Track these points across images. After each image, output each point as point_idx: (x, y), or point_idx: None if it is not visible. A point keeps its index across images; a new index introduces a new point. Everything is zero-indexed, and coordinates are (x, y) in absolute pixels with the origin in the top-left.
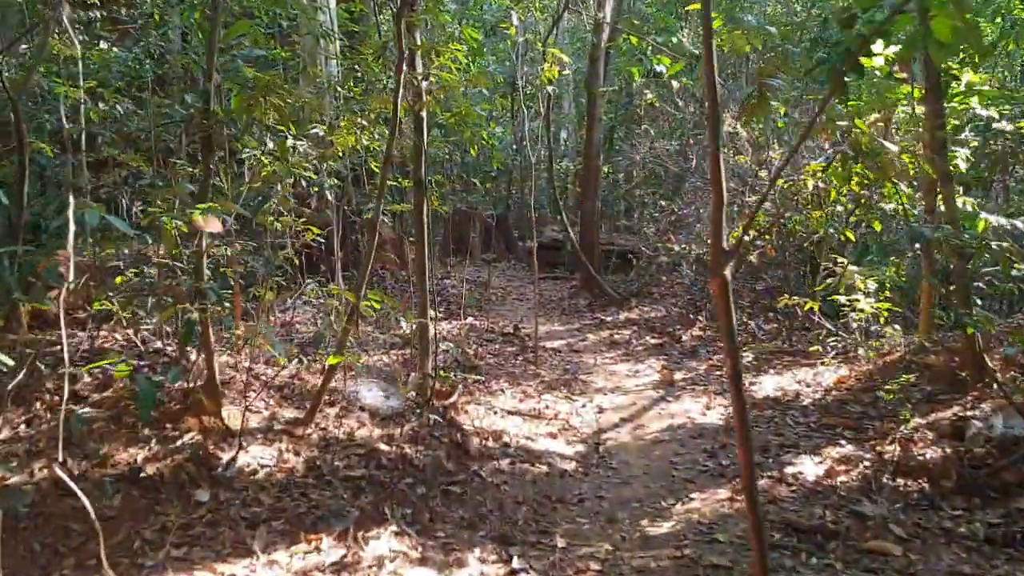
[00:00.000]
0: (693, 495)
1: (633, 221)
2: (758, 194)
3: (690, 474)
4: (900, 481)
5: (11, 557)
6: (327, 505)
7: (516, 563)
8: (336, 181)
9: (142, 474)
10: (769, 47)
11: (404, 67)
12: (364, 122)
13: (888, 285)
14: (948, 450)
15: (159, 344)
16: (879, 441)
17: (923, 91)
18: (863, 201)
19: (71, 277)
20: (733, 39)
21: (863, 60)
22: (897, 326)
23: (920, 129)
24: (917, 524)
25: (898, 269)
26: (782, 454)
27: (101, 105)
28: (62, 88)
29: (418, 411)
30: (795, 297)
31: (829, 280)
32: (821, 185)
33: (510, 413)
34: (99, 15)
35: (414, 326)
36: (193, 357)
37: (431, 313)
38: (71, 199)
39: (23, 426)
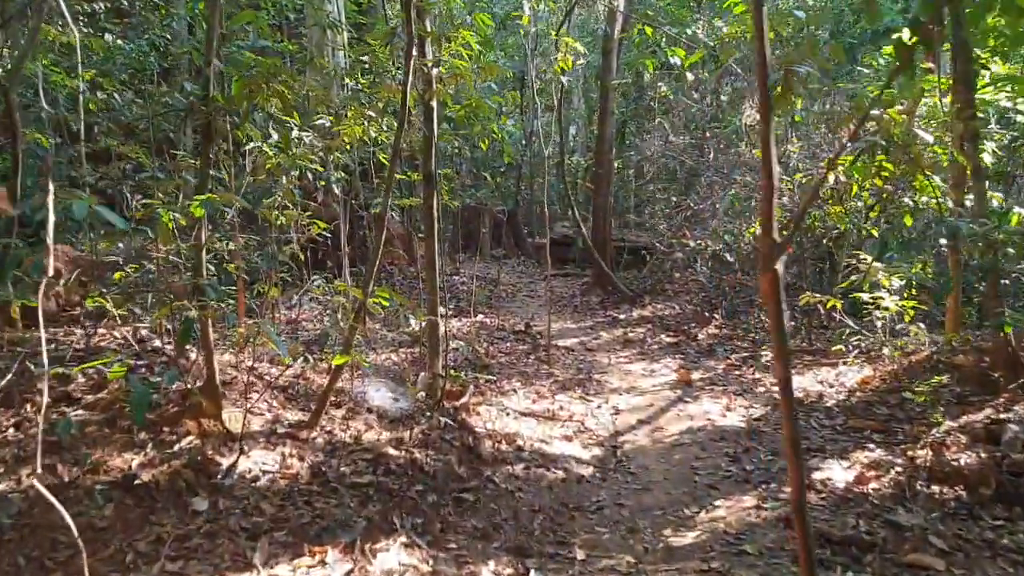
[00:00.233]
0: (717, 502)
1: (644, 217)
2: (776, 190)
3: (713, 479)
4: (935, 488)
5: None
6: (333, 515)
7: None
8: (343, 174)
9: (136, 481)
10: (795, 34)
11: (414, 53)
12: (372, 113)
13: (913, 282)
14: (984, 455)
15: (158, 343)
16: (910, 445)
17: (952, 81)
18: (885, 196)
19: (51, 272)
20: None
21: (885, 49)
22: (921, 324)
23: (950, 120)
24: (958, 535)
25: (924, 266)
26: (809, 458)
27: (100, 94)
28: (58, 76)
29: (428, 413)
30: (815, 295)
31: (853, 278)
32: (843, 179)
33: (523, 414)
34: (103, 6)
35: (423, 324)
36: (193, 356)
37: (441, 311)
38: (51, 188)
39: (11, 430)
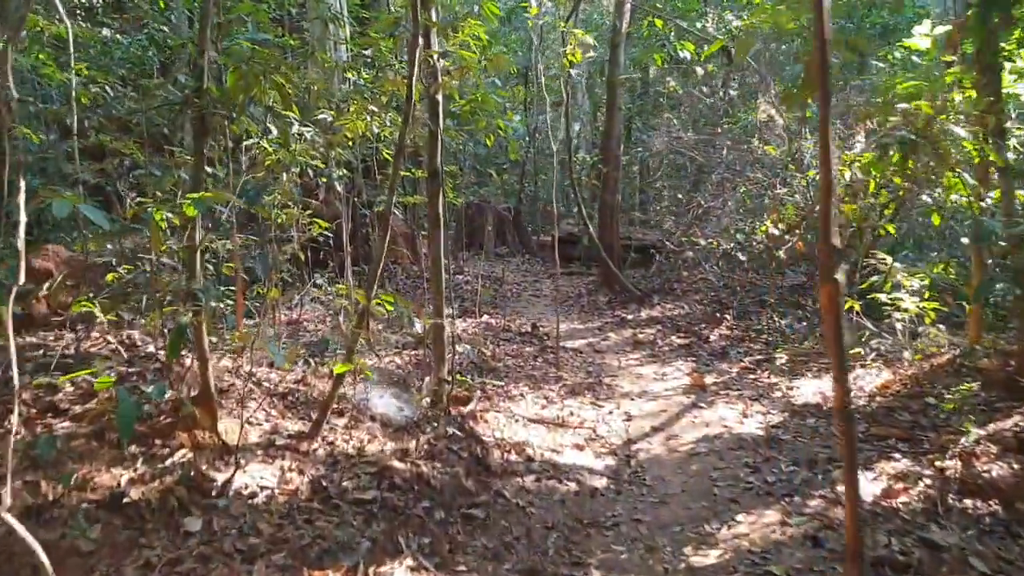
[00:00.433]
0: (739, 517)
1: (649, 214)
2: (789, 186)
3: (733, 492)
4: (968, 503)
5: None
6: (334, 535)
7: None
8: (346, 171)
9: (125, 499)
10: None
11: (419, 43)
12: (375, 107)
13: (931, 283)
14: (1016, 466)
15: (152, 348)
16: (937, 455)
17: (977, 73)
18: (902, 193)
19: (22, 279)
20: (776, 16)
21: (907, 43)
22: (941, 326)
23: (980, 115)
24: (998, 555)
25: (947, 266)
26: (832, 469)
27: (92, 88)
28: (49, 69)
29: (434, 421)
30: None
31: (875, 278)
32: (860, 176)
33: (532, 421)
34: (102, 0)
35: (428, 326)
36: (189, 361)
37: (447, 311)
38: (21, 186)
39: None
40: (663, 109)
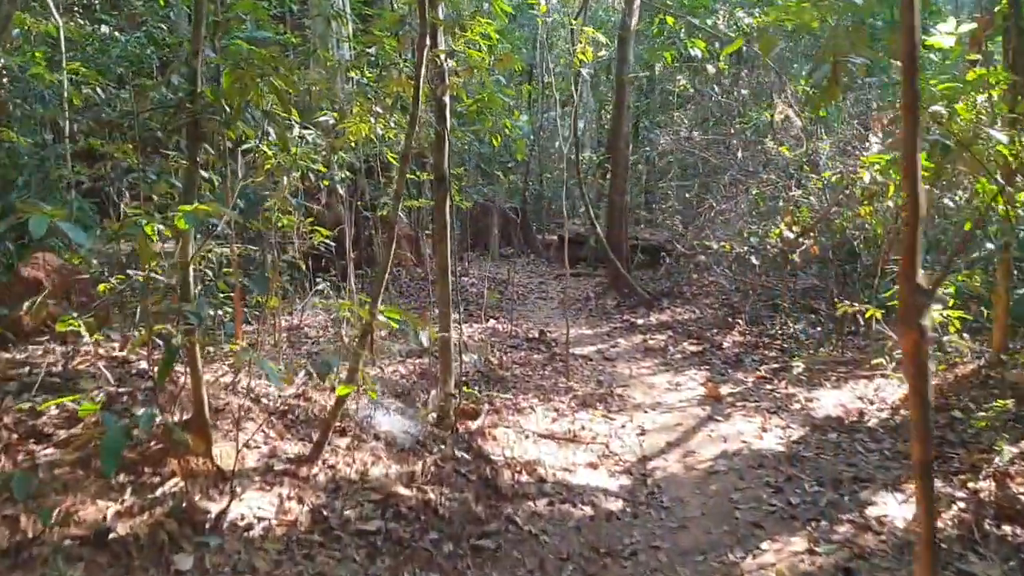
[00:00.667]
0: (763, 545)
1: (654, 214)
2: (804, 188)
3: (756, 516)
4: (1007, 529)
5: None
6: (335, 573)
7: None
8: (348, 174)
9: (111, 535)
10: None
11: (427, 42)
12: (379, 109)
13: (956, 290)
14: None
15: (144, 364)
16: (969, 475)
17: (1008, 72)
18: None
19: None
20: (799, 12)
21: (930, 42)
22: (965, 335)
23: (1010, 116)
24: None
25: (971, 275)
26: (859, 490)
27: (84, 89)
28: (38, 68)
29: (441, 442)
30: (850, 303)
31: (899, 287)
32: (880, 179)
33: (543, 437)
34: None
35: (434, 339)
36: (183, 379)
37: (454, 316)
38: None
39: None
40: (671, 108)
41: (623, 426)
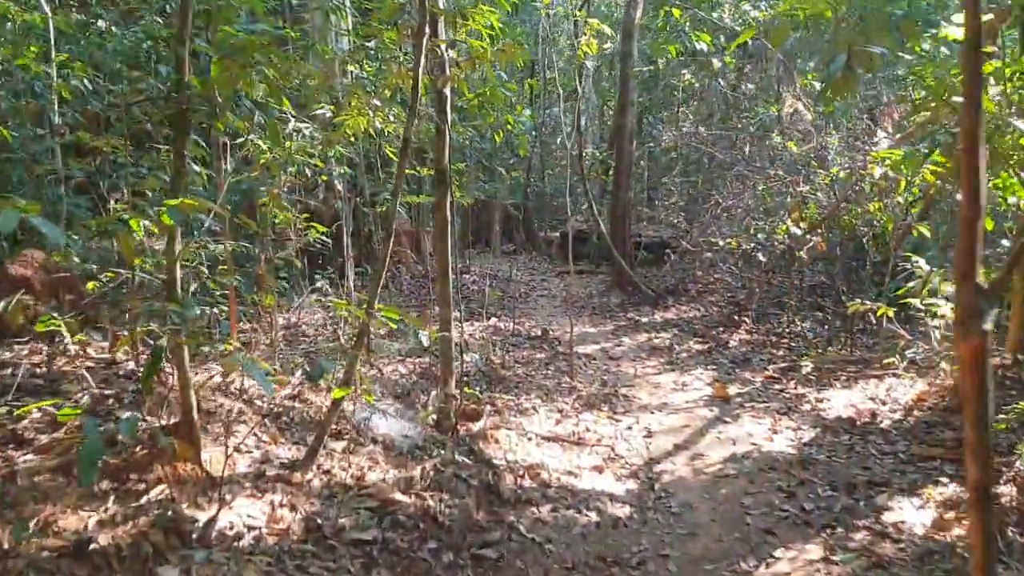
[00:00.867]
0: (777, 553)
1: (656, 211)
2: (812, 184)
3: (768, 522)
4: None
5: None
6: None
7: None
8: (347, 169)
9: (92, 546)
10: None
11: (426, 31)
12: (377, 101)
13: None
14: None
15: (132, 365)
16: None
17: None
18: (931, 191)
19: None
20: (816, 3)
21: (944, 33)
22: None
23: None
24: None
25: (988, 273)
26: (874, 495)
27: (73, 81)
28: (24, 59)
29: (441, 445)
30: (861, 300)
31: (911, 284)
32: (891, 174)
33: (546, 439)
34: None
35: (434, 339)
36: (172, 380)
37: (455, 316)
38: None
39: None
40: (676, 103)
41: (629, 428)
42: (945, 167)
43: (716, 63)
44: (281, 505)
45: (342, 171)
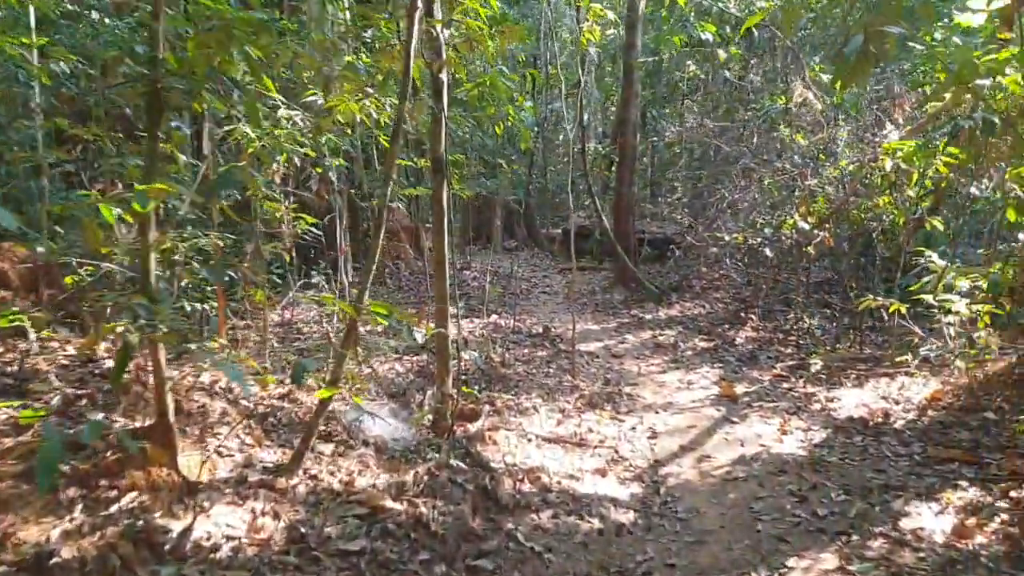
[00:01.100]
0: (790, 562)
1: (659, 206)
2: (820, 177)
3: (780, 528)
4: None
5: None
6: None
7: None
8: (342, 161)
9: (54, 559)
10: None
11: (419, 5)
12: (370, 88)
13: (990, 285)
14: None
15: (110, 363)
16: (1010, 483)
17: None
18: (943, 184)
19: None
20: None
21: (957, 22)
22: (990, 329)
23: None
24: None
25: (1004, 266)
26: (890, 499)
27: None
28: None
29: (436, 447)
30: (872, 297)
31: (926, 280)
32: (903, 166)
33: (547, 440)
34: None
35: (430, 336)
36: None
37: (452, 310)
38: None
39: None
40: (680, 96)
41: (633, 428)
42: (959, 158)
43: (722, 54)
44: (263, 513)
45: (337, 163)
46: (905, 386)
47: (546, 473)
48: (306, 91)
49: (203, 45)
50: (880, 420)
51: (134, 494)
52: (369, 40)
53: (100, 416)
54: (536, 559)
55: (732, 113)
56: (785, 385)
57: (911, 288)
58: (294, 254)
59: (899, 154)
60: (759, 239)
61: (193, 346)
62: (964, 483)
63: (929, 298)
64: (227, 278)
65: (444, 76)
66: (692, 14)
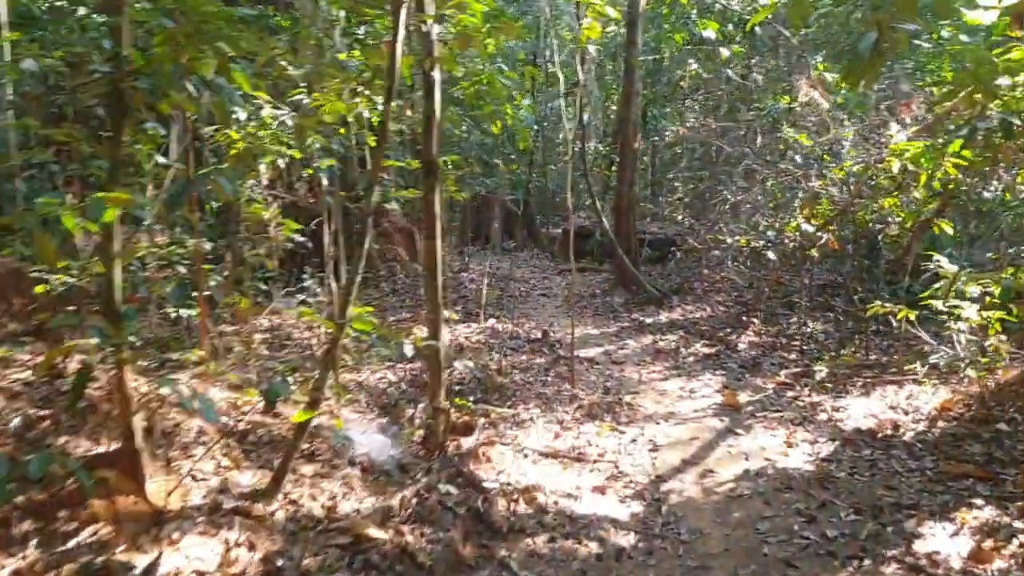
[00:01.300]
0: None
1: (660, 207)
2: (825, 179)
3: (788, 551)
4: None
5: None
6: None
7: None
8: (333, 163)
9: None
10: None
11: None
12: (359, 86)
13: (1003, 291)
14: None
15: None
16: None
17: None
18: (951, 186)
19: None
20: None
21: (968, 20)
22: (1003, 337)
23: None
24: None
25: (1016, 271)
26: (902, 519)
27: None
28: None
29: (426, 469)
30: (880, 303)
31: (938, 286)
32: (911, 168)
33: (544, 455)
34: None
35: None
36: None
37: (445, 316)
38: None
39: None
40: (682, 94)
41: (633, 440)
42: (971, 161)
43: (724, 52)
44: (238, 544)
45: (328, 164)
46: (914, 395)
47: (542, 492)
48: (294, 90)
49: (170, 40)
50: (889, 432)
51: (96, 526)
52: (362, 36)
53: (62, 440)
54: None
55: (734, 112)
56: (790, 393)
57: (922, 296)
58: (285, 257)
59: (907, 155)
60: (762, 241)
61: (175, 355)
62: (979, 501)
63: (939, 304)
64: (215, 283)
65: (436, 74)
66: (694, 11)
